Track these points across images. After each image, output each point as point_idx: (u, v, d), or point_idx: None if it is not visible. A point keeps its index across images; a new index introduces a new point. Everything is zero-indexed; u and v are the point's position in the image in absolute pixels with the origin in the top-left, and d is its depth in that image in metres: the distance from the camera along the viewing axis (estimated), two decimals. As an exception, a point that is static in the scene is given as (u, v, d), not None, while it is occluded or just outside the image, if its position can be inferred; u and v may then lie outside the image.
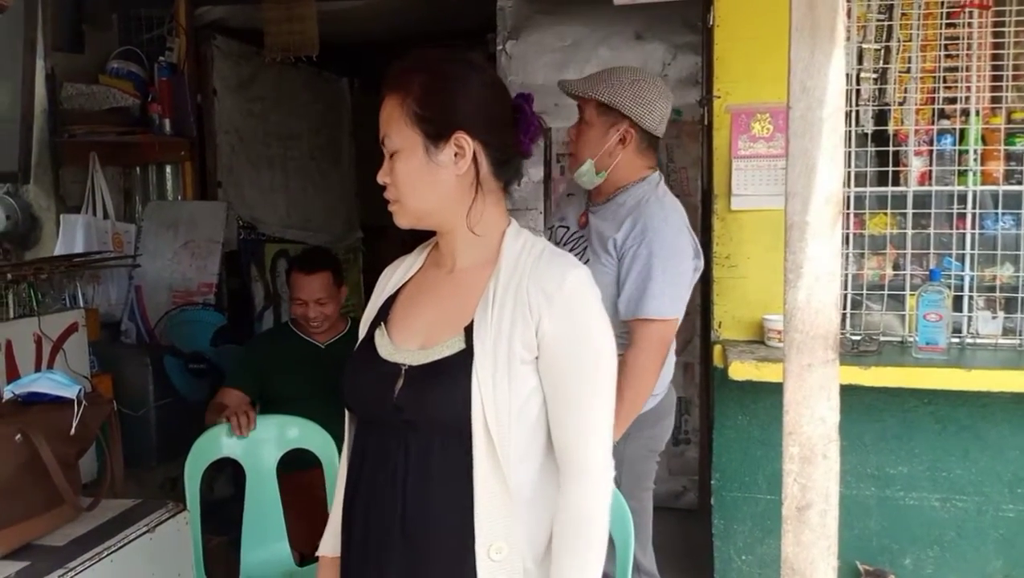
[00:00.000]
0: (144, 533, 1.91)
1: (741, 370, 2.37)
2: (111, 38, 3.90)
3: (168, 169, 4.00)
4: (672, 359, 2.18)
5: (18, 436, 1.75)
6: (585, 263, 2.04)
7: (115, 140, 3.67)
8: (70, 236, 3.78)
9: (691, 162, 3.57)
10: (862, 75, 2.51)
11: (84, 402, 1.92)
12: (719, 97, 2.56)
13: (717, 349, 2.60)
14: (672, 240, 1.98)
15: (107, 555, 1.80)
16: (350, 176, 5.18)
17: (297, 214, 4.57)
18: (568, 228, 2.19)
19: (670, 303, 1.97)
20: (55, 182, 3.80)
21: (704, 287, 3.38)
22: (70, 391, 1.90)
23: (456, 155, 1.23)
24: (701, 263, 2.11)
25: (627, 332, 1.99)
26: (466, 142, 1.23)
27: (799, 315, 1.18)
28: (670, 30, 3.52)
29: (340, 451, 2.40)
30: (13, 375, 2.93)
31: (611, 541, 1.95)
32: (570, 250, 2.12)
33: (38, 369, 2.84)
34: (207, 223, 3.83)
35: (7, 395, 1.93)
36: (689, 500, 3.79)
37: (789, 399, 1.21)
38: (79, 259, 3.47)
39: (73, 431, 1.89)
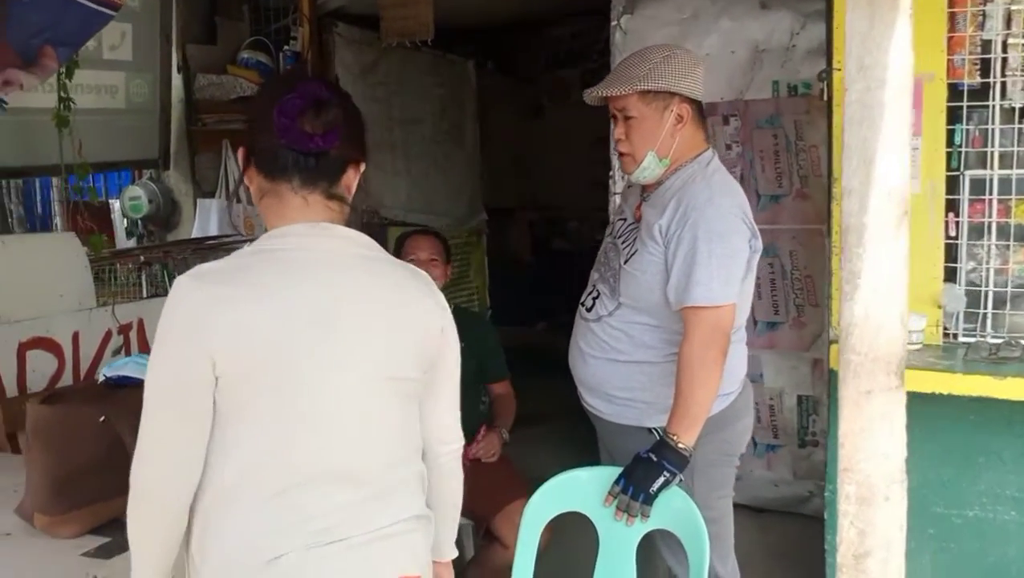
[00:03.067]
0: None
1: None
2: (242, 28, 4.07)
3: (295, 155, 4.13)
4: (742, 351, 2.01)
5: (102, 418, 1.84)
6: (634, 253, 1.93)
7: (242, 128, 3.81)
8: (205, 219, 4.00)
9: (822, 140, 3.27)
10: (1010, 41, 2.17)
11: (170, 387, 1.98)
12: (840, 70, 2.30)
13: (834, 349, 2.36)
14: (718, 220, 1.85)
15: (181, 537, 1.85)
16: (474, 159, 5.17)
17: (420, 198, 4.61)
18: (625, 220, 2.08)
19: (720, 288, 1.82)
20: (191, 168, 4.03)
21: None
22: (155, 376, 1.97)
23: None
24: (759, 244, 1.94)
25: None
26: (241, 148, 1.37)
27: (856, 332, 1.01)
28: (799, -4, 3.24)
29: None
30: (146, 351, 3.13)
31: (685, 550, 1.83)
32: (622, 243, 2.03)
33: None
34: (329, 207, 3.91)
35: (101, 377, 2.03)
36: (815, 506, 3.51)
37: (844, 430, 1.05)
38: (211, 242, 3.65)
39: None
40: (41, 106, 3.11)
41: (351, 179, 1.36)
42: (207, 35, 3.97)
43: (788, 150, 3.36)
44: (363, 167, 1.38)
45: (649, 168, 1.93)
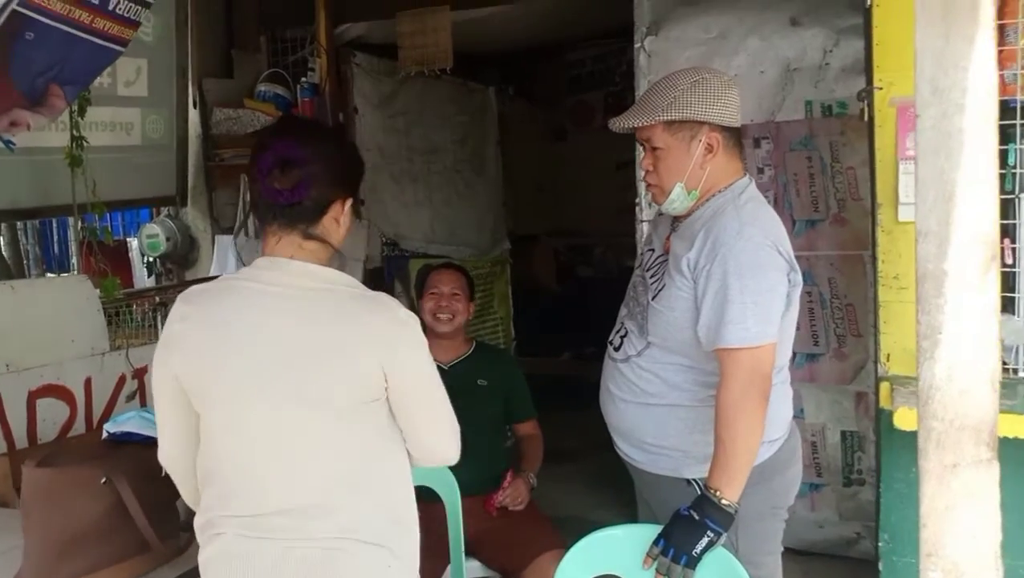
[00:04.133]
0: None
1: (910, 419, 1.97)
2: (260, 61, 4.00)
3: (313, 189, 4.05)
4: (787, 393, 1.85)
5: (103, 480, 1.73)
6: (661, 289, 1.79)
7: (258, 163, 3.74)
8: (223, 256, 3.92)
9: (860, 161, 3.11)
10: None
11: (176, 442, 1.87)
12: (881, 88, 2.16)
13: (884, 387, 2.20)
14: (749, 253, 1.69)
15: (186, 606, 1.73)
16: (497, 186, 5.06)
17: (441, 228, 4.50)
18: (654, 251, 1.94)
19: (756, 326, 1.67)
20: (210, 204, 3.95)
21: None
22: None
23: None
24: (799, 277, 1.78)
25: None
26: None
27: (938, 397, 0.87)
28: (832, 12, 3.08)
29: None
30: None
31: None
32: (650, 277, 1.89)
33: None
34: (349, 241, 3.79)
35: (105, 434, 1.93)
36: (863, 548, 3.31)
37: (927, 508, 0.90)
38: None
39: (164, 473, 1.84)
40: (54, 145, 3.05)
41: (338, 213, 1.50)
42: (224, 68, 3.91)
43: (823, 173, 3.21)
44: (350, 201, 1.52)
45: (678, 200, 1.80)
